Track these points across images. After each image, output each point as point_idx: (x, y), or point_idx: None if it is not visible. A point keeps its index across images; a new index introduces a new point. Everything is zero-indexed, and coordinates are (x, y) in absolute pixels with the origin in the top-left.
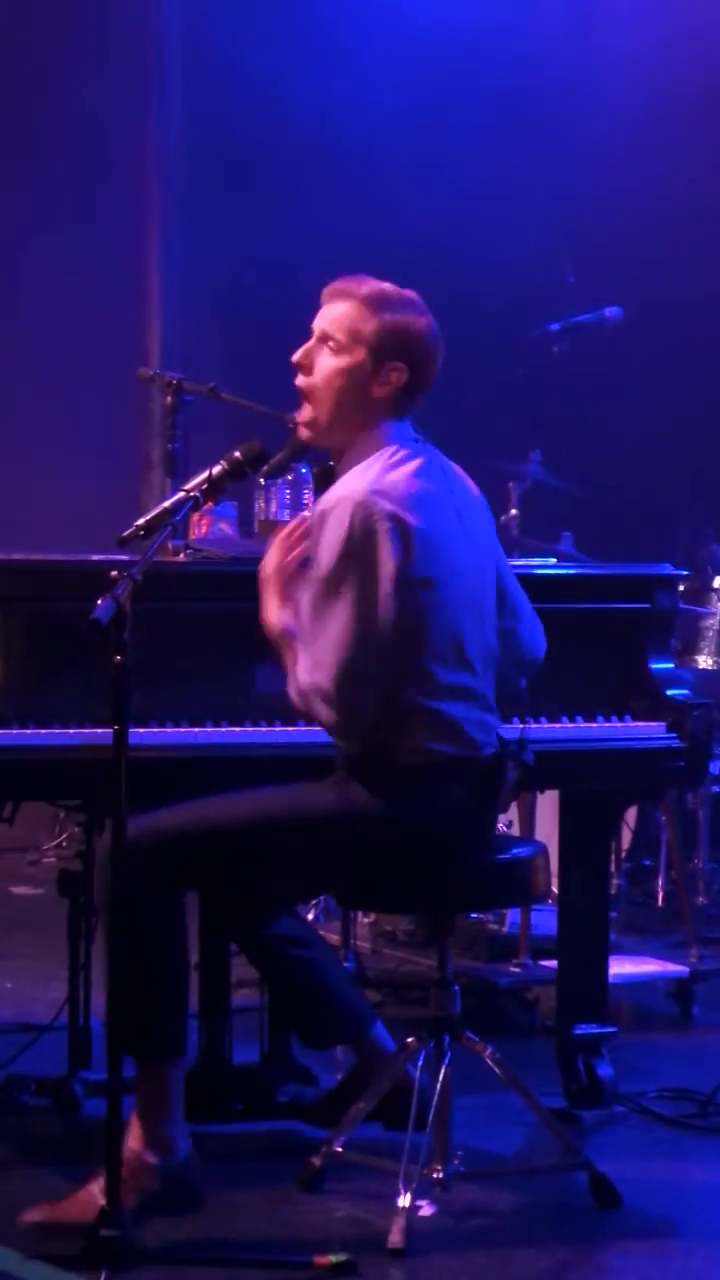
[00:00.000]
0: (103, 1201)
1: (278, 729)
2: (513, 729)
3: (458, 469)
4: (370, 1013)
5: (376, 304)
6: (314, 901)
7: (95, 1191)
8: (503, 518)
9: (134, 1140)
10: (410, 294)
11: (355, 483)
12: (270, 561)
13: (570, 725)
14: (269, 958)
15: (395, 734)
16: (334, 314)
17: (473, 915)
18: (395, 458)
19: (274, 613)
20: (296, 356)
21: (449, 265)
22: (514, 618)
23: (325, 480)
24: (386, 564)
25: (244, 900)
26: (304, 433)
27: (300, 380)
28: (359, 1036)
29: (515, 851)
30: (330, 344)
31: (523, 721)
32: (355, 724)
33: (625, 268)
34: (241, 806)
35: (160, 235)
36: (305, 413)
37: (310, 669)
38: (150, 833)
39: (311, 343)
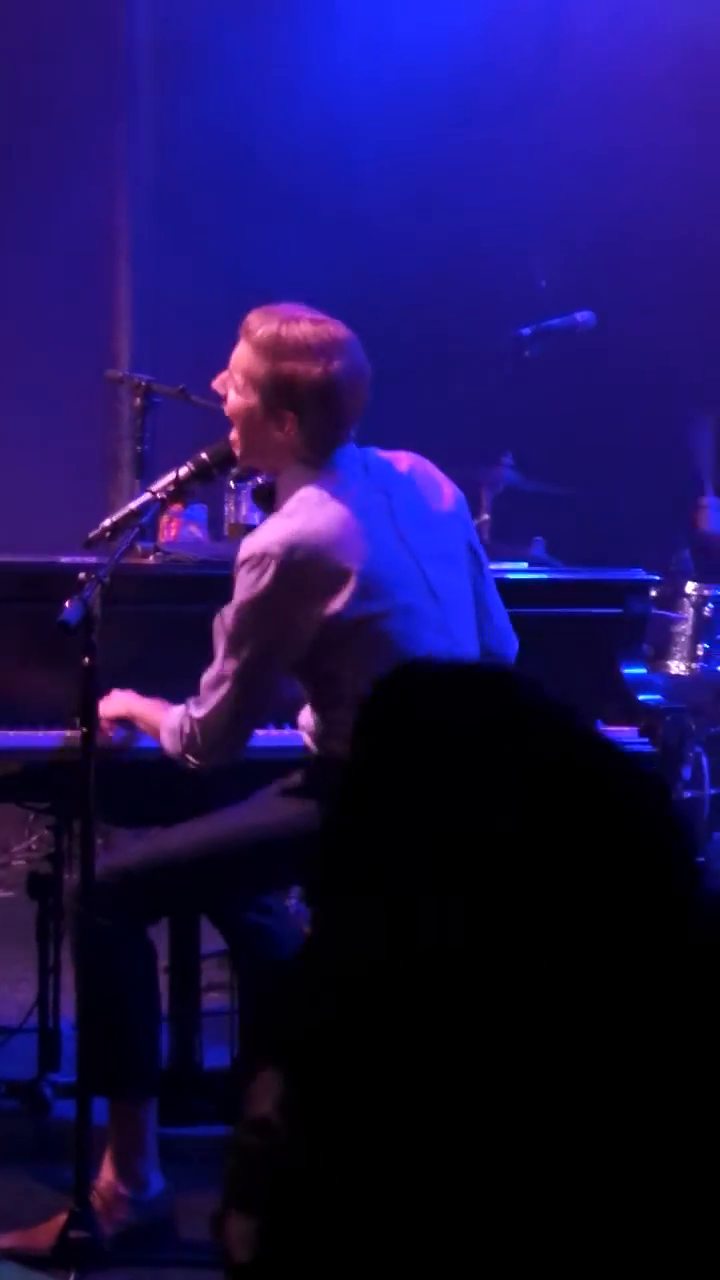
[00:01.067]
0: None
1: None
2: None
3: (424, 473)
4: None
5: (267, 350)
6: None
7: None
8: (475, 522)
9: (107, 1172)
10: (315, 337)
11: (275, 532)
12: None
13: None
14: (232, 928)
15: None
16: (235, 353)
17: None
18: (311, 500)
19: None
20: (214, 384)
21: (420, 270)
22: (485, 620)
23: (264, 500)
24: (299, 613)
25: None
26: (243, 461)
27: (229, 440)
28: None
29: None
30: (233, 383)
31: None
32: (200, 757)
33: (597, 272)
34: (200, 831)
35: (129, 235)
36: (234, 436)
37: (189, 708)
38: (114, 871)
39: (225, 373)
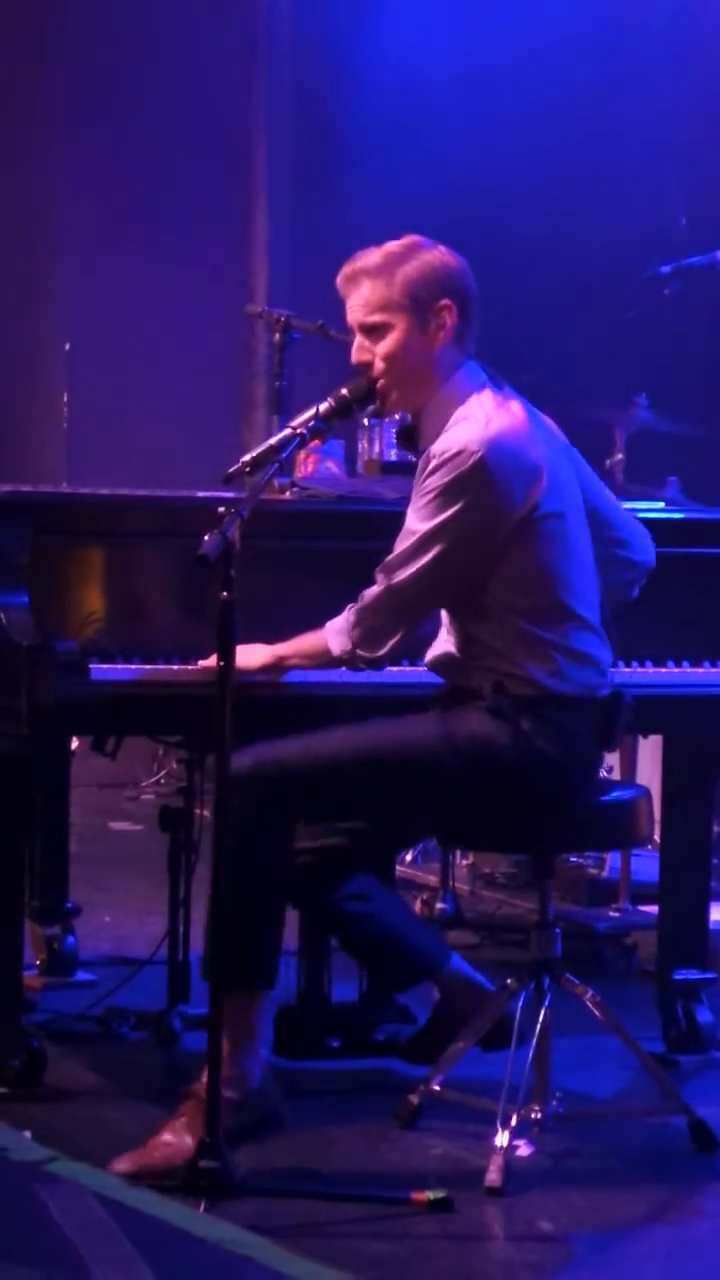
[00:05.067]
0: (189, 1142)
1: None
2: (618, 673)
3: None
4: (443, 947)
5: (389, 267)
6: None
7: (177, 1130)
8: (608, 463)
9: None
10: (411, 239)
11: (471, 431)
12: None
13: (676, 670)
14: (332, 918)
15: (522, 667)
16: (359, 301)
17: (572, 859)
18: (489, 401)
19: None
20: (354, 359)
21: (557, 207)
22: (612, 535)
23: (408, 439)
24: (502, 507)
25: (350, 842)
26: (390, 411)
27: (370, 376)
28: (435, 972)
29: (617, 794)
30: (373, 330)
31: (628, 665)
32: (370, 649)
33: None
34: (354, 738)
35: (266, 171)
36: (388, 401)
37: (389, 561)
38: (267, 763)
39: (358, 340)
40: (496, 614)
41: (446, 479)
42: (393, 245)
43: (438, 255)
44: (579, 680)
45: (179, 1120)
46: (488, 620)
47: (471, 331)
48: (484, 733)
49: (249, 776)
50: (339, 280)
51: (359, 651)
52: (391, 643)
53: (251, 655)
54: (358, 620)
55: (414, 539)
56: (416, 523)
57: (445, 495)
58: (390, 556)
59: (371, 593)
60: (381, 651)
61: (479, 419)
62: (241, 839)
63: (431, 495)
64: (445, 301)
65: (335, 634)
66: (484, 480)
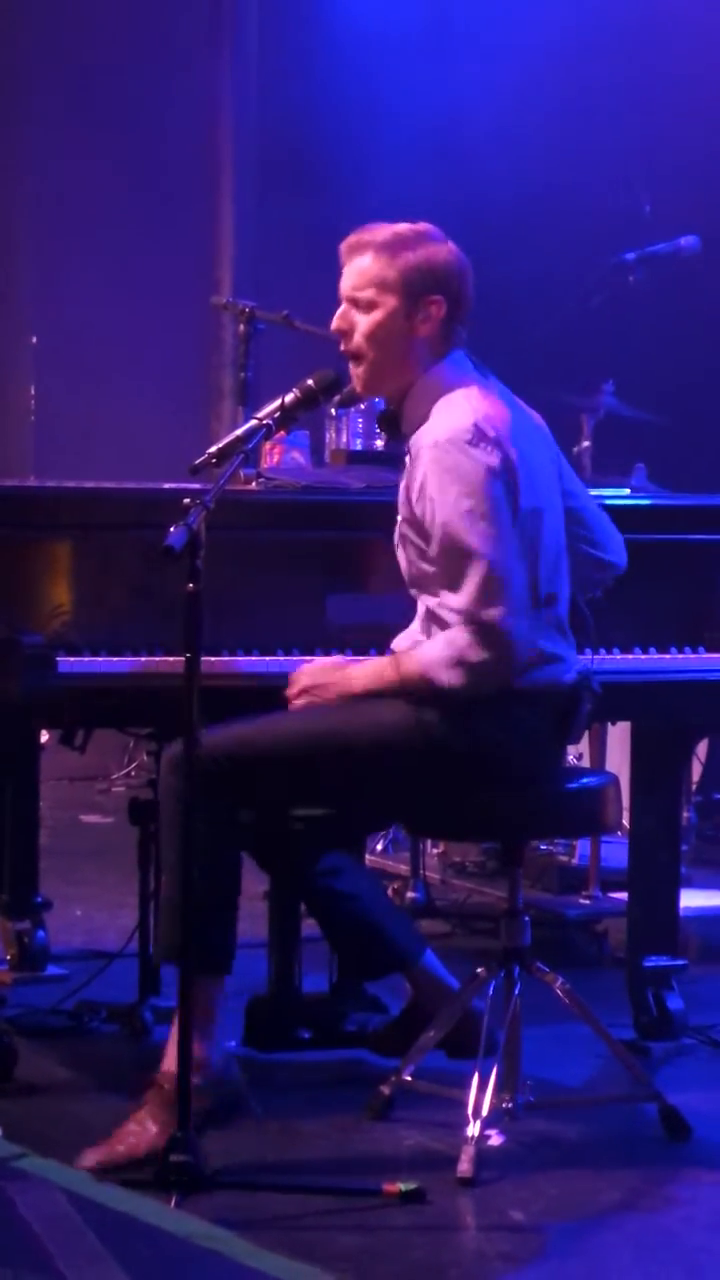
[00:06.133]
0: (152, 1129)
1: (349, 657)
2: (586, 660)
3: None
4: (419, 940)
5: (394, 247)
6: (383, 832)
7: (141, 1119)
8: (575, 449)
9: (168, 1063)
10: (424, 227)
11: (451, 420)
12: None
13: (643, 656)
14: (311, 892)
15: None
16: (356, 271)
17: (542, 847)
18: (474, 391)
19: (359, 671)
20: (334, 325)
21: (524, 195)
22: (585, 532)
23: (389, 424)
24: (501, 496)
25: (309, 827)
26: (360, 389)
27: (344, 347)
28: (408, 965)
29: (586, 781)
30: (361, 303)
31: (595, 652)
32: (518, 655)
33: (702, 197)
34: (314, 723)
35: (233, 162)
36: (357, 376)
37: (468, 606)
38: (222, 744)
39: (343, 308)
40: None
41: (453, 461)
42: (404, 228)
43: (444, 250)
44: (533, 675)
45: (142, 1110)
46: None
47: (460, 330)
48: (434, 721)
49: (196, 760)
50: (342, 246)
51: (483, 675)
52: (525, 634)
53: (309, 680)
54: (472, 643)
55: (463, 547)
56: (442, 514)
57: (458, 475)
58: (464, 595)
59: (456, 603)
60: (516, 656)
61: (464, 409)
62: (189, 824)
63: (444, 483)
64: (436, 297)
65: (440, 667)
66: (486, 452)
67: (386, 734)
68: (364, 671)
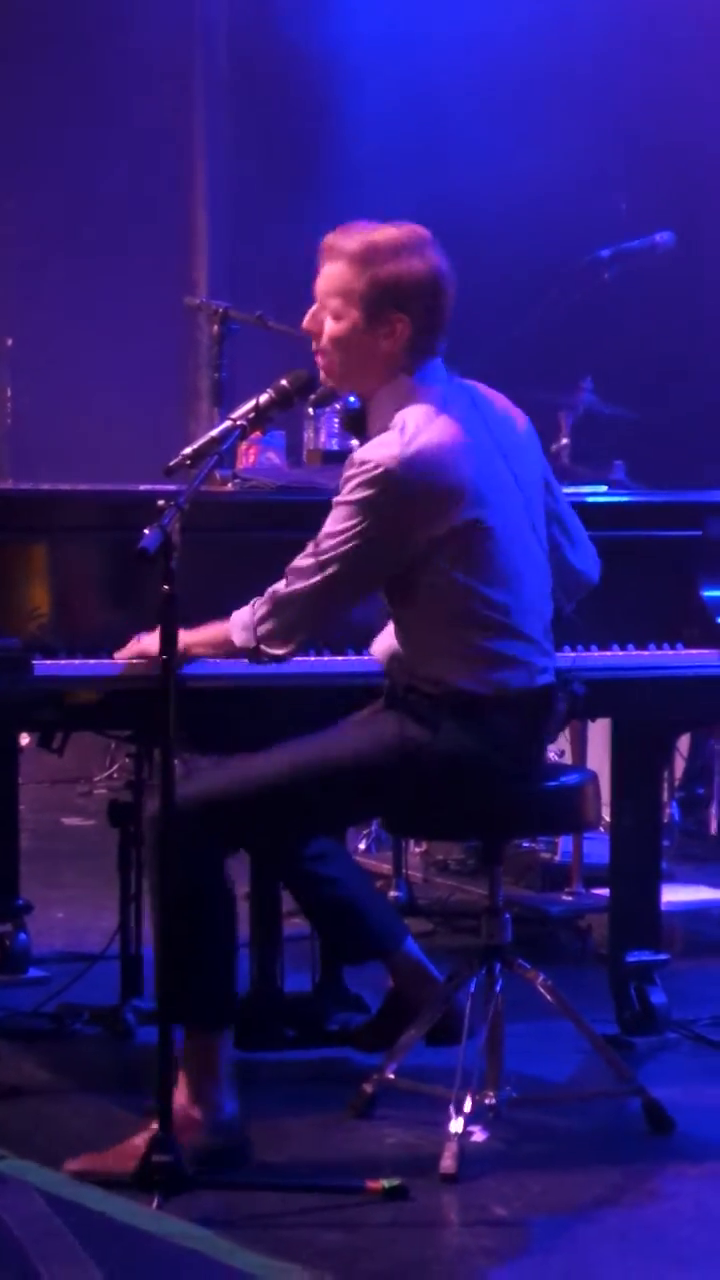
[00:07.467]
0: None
1: (326, 659)
2: (565, 657)
3: (500, 399)
4: (401, 927)
5: (365, 259)
6: (365, 831)
7: (137, 1144)
8: (554, 447)
9: (181, 1095)
10: (406, 236)
11: (391, 448)
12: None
13: (621, 653)
14: (296, 876)
15: (454, 669)
16: (326, 276)
17: (525, 844)
18: (426, 413)
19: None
20: (305, 324)
21: (499, 193)
22: (566, 540)
23: (354, 424)
24: (409, 528)
25: (297, 846)
26: (331, 385)
27: (314, 346)
28: (389, 950)
29: (565, 779)
30: (328, 308)
31: (574, 650)
32: (275, 645)
33: (677, 194)
34: (286, 758)
35: (206, 162)
36: (326, 373)
37: (281, 596)
38: (196, 799)
39: (315, 307)
40: (408, 620)
41: (356, 495)
42: (383, 237)
43: (420, 265)
44: (495, 681)
45: (143, 1135)
46: (402, 624)
47: (432, 343)
48: (405, 734)
49: (177, 817)
50: (322, 243)
51: (263, 647)
52: (296, 641)
53: (155, 643)
54: (264, 616)
55: (322, 546)
56: (327, 527)
57: (354, 508)
58: (300, 559)
59: (280, 591)
60: (286, 649)
61: (403, 434)
62: (182, 882)
63: (343, 505)
64: (399, 316)
65: (240, 628)
66: (391, 499)
67: (368, 753)
68: (197, 631)
